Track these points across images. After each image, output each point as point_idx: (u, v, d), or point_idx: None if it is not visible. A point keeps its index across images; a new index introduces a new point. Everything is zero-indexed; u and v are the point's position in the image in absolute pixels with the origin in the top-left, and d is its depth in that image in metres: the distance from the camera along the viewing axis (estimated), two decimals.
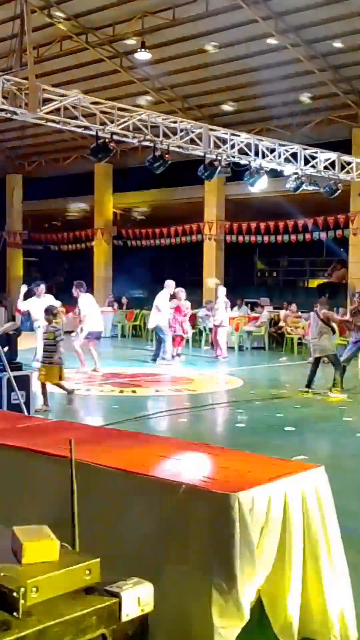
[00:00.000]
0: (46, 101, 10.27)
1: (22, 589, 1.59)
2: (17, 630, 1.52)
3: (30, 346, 12.40)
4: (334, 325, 10.41)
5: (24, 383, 7.53)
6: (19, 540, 1.78)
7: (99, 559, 1.75)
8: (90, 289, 21.11)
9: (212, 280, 19.43)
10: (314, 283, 22.50)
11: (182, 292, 14.66)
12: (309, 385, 10.24)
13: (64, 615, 1.59)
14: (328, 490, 3.03)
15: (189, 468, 3.06)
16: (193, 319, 17.20)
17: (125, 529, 2.90)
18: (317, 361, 10.26)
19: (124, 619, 1.64)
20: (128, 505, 2.92)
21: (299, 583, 2.86)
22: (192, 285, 22.42)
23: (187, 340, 16.17)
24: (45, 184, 23.96)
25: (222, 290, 15.43)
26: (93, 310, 12.29)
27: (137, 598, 1.67)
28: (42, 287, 12.51)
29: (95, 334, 12.33)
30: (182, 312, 14.58)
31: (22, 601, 1.57)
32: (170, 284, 14.22)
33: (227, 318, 15.26)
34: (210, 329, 17.02)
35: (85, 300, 12.28)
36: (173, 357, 13.94)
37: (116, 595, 1.65)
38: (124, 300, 21.13)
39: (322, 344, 10.13)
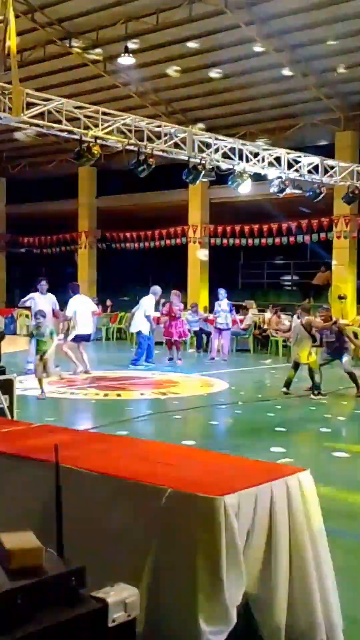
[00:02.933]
0: (30, 105, 10.25)
1: (8, 596, 1.58)
2: (3, 637, 1.51)
3: (17, 349, 12.33)
4: (315, 332, 10.46)
5: (7, 387, 7.48)
6: (4, 546, 1.77)
7: (84, 565, 1.74)
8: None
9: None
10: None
11: (176, 297, 14.74)
12: (287, 387, 10.31)
13: (50, 622, 1.58)
14: (314, 494, 3.04)
15: (174, 472, 3.06)
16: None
17: (111, 534, 2.89)
18: (296, 364, 10.33)
19: (111, 624, 1.64)
20: (113, 510, 2.92)
21: (285, 586, 2.87)
22: (177, 288, 22.43)
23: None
24: (29, 187, 23.87)
25: (223, 293, 15.36)
26: (83, 313, 12.25)
27: (123, 603, 1.66)
28: (44, 283, 12.49)
29: (84, 337, 12.27)
30: (177, 316, 14.56)
31: (7, 608, 1.56)
32: (157, 290, 14.17)
33: (231, 320, 15.28)
34: (196, 332, 17.09)
35: (76, 302, 12.27)
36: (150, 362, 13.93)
37: (102, 601, 1.65)
38: (108, 303, 21.09)
39: (299, 351, 10.20)
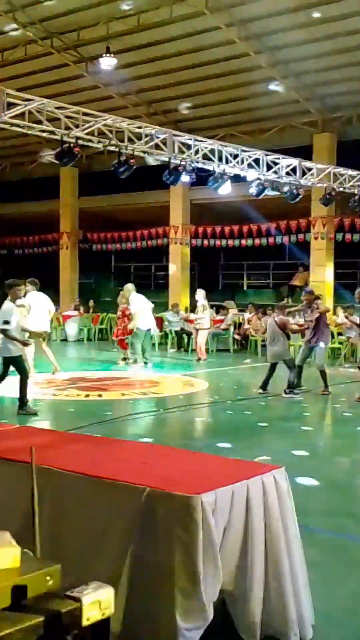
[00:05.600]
0: (10, 105, 10.21)
1: None
2: None
3: None
4: (291, 330, 10.55)
5: None
6: None
7: (60, 565, 1.77)
8: (56, 292, 20.99)
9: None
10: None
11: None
12: (264, 387, 10.39)
13: (25, 622, 1.60)
14: (289, 491, 3.10)
15: (152, 471, 3.09)
16: (160, 321, 17.22)
17: (89, 533, 2.92)
18: (273, 365, 10.41)
19: (85, 623, 1.66)
20: (91, 509, 2.94)
21: (261, 582, 2.92)
22: (159, 288, 22.48)
23: (154, 344, 16.19)
24: (11, 188, 23.73)
25: (201, 293, 15.36)
26: (37, 309, 11.49)
27: (98, 602, 1.68)
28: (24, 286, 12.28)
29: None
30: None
31: None
32: (130, 287, 14.10)
33: (208, 321, 15.28)
34: (176, 332, 17.12)
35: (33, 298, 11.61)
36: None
37: (77, 600, 1.67)
38: (90, 303, 21.04)
39: (275, 350, 10.28)
